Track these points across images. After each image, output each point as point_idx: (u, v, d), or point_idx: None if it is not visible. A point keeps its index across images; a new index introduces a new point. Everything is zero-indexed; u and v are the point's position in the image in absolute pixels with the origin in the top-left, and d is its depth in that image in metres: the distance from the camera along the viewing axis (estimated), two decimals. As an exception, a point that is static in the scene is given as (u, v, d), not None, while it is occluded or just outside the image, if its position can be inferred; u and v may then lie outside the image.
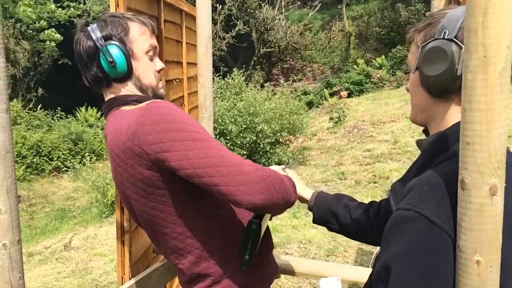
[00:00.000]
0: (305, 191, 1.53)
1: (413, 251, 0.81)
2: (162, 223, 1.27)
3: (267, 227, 1.50)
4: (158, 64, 1.40)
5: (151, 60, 1.37)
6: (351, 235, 1.45)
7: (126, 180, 1.24)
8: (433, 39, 0.93)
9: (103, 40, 1.29)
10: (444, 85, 0.93)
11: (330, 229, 1.48)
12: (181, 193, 1.23)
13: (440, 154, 0.92)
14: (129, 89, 1.34)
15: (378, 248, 1.19)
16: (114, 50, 1.28)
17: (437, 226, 0.79)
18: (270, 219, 1.47)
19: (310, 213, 1.52)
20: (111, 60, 1.27)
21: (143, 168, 1.17)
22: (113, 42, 1.29)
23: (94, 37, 1.29)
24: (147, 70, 1.36)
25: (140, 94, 1.35)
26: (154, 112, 1.16)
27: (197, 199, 1.24)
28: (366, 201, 1.46)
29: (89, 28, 1.31)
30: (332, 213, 1.44)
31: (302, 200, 1.53)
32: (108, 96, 1.36)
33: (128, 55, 1.30)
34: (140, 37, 1.33)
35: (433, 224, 0.79)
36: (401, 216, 0.84)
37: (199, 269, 1.31)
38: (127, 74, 1.32)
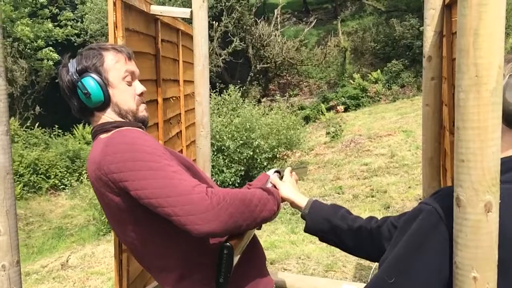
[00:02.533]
0: (300, 198, 1.49)
1: (416, 237, 0.88)
2: (142, 244, 1.32)
3: (257, 241, 1.48)
4: (138, 87, 1.44)
5: (129, 84, 1.42)
6: (345, 246, 1.42)
7: (105, 207, 1.32)
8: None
9: (77, 74, 1.36)
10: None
11: (322, 239, 1.44)
12: (151, 217, 1.25)
13: None
14: (109, 116, 1.40)
15: (376, 264, 1.19)
16: (90, 82, 1.35)
17: (445, 224, 0.84)
18: (260, 228, 1.43)
19: None
20: (85, 92, 1.34)
21: (113, 195, 1.24)
22: (88, 74, 1.36)
23: (71, 72, 1.37)
24: (126, 95, 1.40)
25: (121, 119, 1.40)
26: (116, 142, 1.23)
27: (167, 221, 1.24)
28: (364, 215, 1.45)
29: (69, 63, 1.39)
30: (328, 223, 1.41)
31: (295, 206, 1.50)
32: (93, 124, 1.42)
33: (103, 84, 1.36)
34: (115, 65, 1.39)
35: (442, 222, 0.84)
36: (419, 208, 0.91)
37: (182, 287, 1.32)
38: (105, 103, 1.38)
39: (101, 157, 1.23)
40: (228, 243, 1.24)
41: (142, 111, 1.45)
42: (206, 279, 1.31)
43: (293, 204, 1.51)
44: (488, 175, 0.72)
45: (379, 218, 1.39)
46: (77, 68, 1.36)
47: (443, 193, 0.90)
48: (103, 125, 1.39)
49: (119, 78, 1.39)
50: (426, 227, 0.87)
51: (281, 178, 1.59)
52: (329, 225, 1.41)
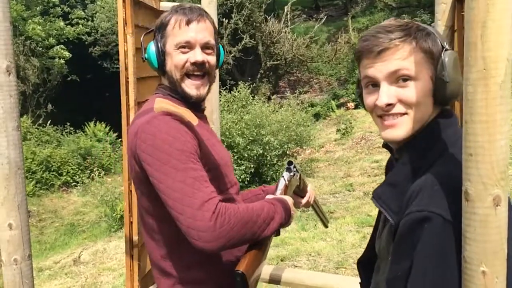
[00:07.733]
0: None
1: (433, 249, 0.83)
2: (152, 230, 1.34)
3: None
4: (191, 56, 1.34)
5: (184, 53, 1.34)
6: None
7: (133, 177, 1.34)
8: (446, 48, 0.95)
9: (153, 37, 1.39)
10: (458, 92, 0.94)
11: None
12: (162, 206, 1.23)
13: (428, 155, 0.93)
14: (166, 81, 1.41)
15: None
16: (151, 48, 1.37)
17: (451, 223, 0.81)
18: (278, 234, 1.38)
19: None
20: (143, 56, 1.39)
21: (137, 165, 1.26)
22: (155, 38, 1.38)
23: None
24: (173, 65, 1.35)
25: (173, 88, 1.39)
26: (154, 125, 1.23)
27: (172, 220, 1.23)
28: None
29: None
30: None
31: None
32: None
33: (159, 52, 1.36)
34: (172, 31, 1.34)
35: (447, 221, 0.82)
36: (416, 219, 0.85)
37: None
38: (161, 70, 1.39)
39: (138, 132, 1.24)
40: (239, 271, 1.18)
41: (188, 86, 1.36)
42: None
43: None
44: (496, 168, 0.72)
45: None
46: (153, 29, 1.40)
47: (425, 194, 0.86)
48: (159, 87, 1.42)
49: (173, 46, 1.34)
50: (437, 232, 0.83)
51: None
52: None
